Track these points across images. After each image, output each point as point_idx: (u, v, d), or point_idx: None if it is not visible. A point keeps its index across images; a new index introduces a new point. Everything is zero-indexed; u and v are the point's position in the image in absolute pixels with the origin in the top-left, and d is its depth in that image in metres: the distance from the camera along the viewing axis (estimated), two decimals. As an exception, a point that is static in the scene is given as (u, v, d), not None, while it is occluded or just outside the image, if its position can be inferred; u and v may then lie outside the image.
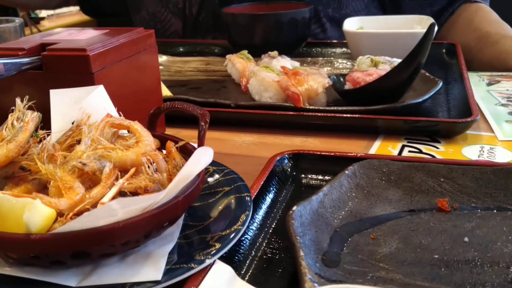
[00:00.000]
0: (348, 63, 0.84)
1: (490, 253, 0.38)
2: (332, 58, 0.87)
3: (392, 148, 0.60)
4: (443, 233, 0.40)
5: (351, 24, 0.90)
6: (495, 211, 0.43)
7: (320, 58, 0.87)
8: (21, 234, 0.32)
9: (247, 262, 0.38)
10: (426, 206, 0.44)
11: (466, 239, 0.39)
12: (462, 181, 0.46)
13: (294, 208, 0.40)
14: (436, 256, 0.38)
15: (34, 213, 0.32)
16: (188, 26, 1.10)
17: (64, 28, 0.62)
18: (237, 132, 0.67)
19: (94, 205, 0.35)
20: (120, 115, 0.45)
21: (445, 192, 0.45)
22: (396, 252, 0.38)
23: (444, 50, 0.93)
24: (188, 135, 0.52)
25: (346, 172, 0.46)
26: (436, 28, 0.80)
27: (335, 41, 0.98)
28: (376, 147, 0.60)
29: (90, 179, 0.38)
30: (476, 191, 0.45)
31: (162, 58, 0.92)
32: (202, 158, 0.36)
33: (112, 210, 0.31)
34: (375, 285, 0.34)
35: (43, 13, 1.66)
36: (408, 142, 0.61)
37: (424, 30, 0.80)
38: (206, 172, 0.47)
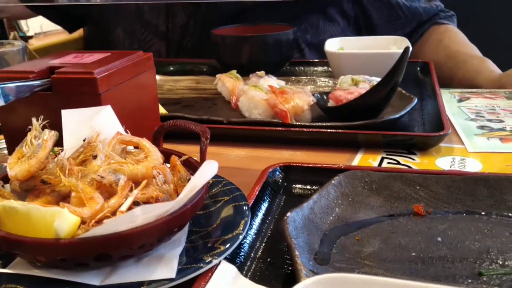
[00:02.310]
0: (330, 81, 0.90)
1: (460, 251, 0.43)
2: (314, 77, 0.93)
3: (372, 160, 0.65)
4: (419, 234, 0.46)
5: (332, 45, 0.96)
6: (464, 214, 0.49)
7: (304, 77, 0.92)
8: (52, 239, 0.36)
9: (248, 262, 0.43)
10: (404, 211, 0.49)
11: (439, 239, 0.45)
12: (436, 188, 0.51)
13: (288, 214, 0.45)
14: (413, 254, 0.43)
15: (63, 221, 0.37)
16: (172, 49, 1.15)
17: (68, 52, 0.67)
18: (230, 146, 0.72)
19: (113, 213, 0.40)
20: (127, 133, 0.50)
21: (421, 198, 0.51)
22: (378, 251, 0.44)
23: (418, 68, 1.00)
24: (185, 149, 0.57)
25: (333, 182, 0.51)
26: (410, 49, 0.87)
27: (317, 60, 1.04)
28: (358, 159, 0.66)
29: (106, 191, 0.42)
30: (447, 197, 0.50)
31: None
32: (207, 170, 0.41)
33: (134, 216, 0.36)
34: (361, 278, 0.39)
35: (31, 31, 1.69)
36: (387, 154, 0.67)
37: (399, 51, 0.87)
38: (207, 184, 0.52)
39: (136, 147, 0.49)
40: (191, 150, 0.49)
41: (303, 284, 0.29)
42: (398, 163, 0.64)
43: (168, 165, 0.48)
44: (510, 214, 0.48)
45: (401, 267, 0.41)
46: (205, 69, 1.05)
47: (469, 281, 0.39)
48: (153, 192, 0.42)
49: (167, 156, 0.49)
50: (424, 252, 0.43)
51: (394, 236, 0.46)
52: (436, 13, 1.13)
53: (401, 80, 0.69)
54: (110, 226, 0.36)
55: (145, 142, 0.48)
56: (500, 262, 0.41)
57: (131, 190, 0.42)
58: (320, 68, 1.03)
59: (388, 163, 0.64)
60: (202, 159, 0.48)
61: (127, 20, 1.17)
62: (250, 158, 0.68)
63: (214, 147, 0.71)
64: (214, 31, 0.98)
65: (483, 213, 0.48)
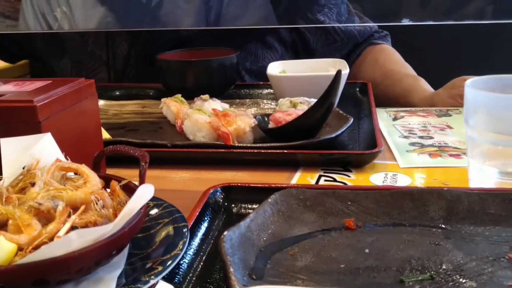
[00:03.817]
0: (273, 103, 0.94)
1: (385, 260, 0.46)
2: (258, 99, 0.96)
3: (310, 178, 0.68)
4: (349, 247, 0.49)
5: (274, 68, 0.99)
6: (391, 226, 0.52)
7: (248, 100, 0.95)
8: (-13, 266, 0.37)
9: (186, 281, 0.45)
10: (336, 226, 0.52)
11: (366, 250, 0.48)
12: (366, 203, 0.55)
13: (225, 233, 0.47)
14: (342, 266, 0.46)
15: (-2, 248, 0.37)
16: (116, 78, 1.16)
17: (8, 80, 0.67)
18: (174, 169, 0.73)
19: (51, 239, 0.41)
20: (67, 159, 0.51)
21: (352, 213, 0.54)
22: (310, 264, 0.46)
23: (357, 89, 1.05)
24: (128, 174, 0.58)
25: (269, 200, 0.54)
26: (348, 71, 0.92)
27: (261, 83, 1.07)
28: (297, 178, 0.69)
29: (45, 217, 0.43)
30: (376, 211, 0.54)
31: (100, 102, 0.97)
32: (144, 194, 0.43)
33: (69, 241, 0.37)
34: (292, 291, 0.41)
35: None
36: (324, 172, 0.70)
37: (342, 72, 0.92)
38: (147, 207, 0.53)
39: (76, 173, 0.50)
40: (135, 175, 0.50)
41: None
42: (335, 180, 0.68)
43: (109, 190, 0.50)
44: (431, 224, 0.52)
45: (330, 279, 0.44)
46: (151, 93, 1.07)
47: (391, 288, 0.42)
48: (91, 217, 0.44)
49: (107, 181, 0.51)
50: (352, 263, 0.46)
51: (325, 249, 0.48)
52: (371, 34, 1.19)
53: (336, 101, 0.73)
54: (46, 252, 0.37)
55: (84, 168, 0.49)
56: (420, 269, 0.45)
57: (69, 216, 0.43)
58: (265, 91, 1.06)
59: (325, 180, 0.68)
60: (142, 182, 0.50)
61: (74, 50, 1.18)
62: (194, 180, 0.70)
63: (159, 170, 0.73)
64: (159, 56, 1.00)
65: (407, 224, 0.52)
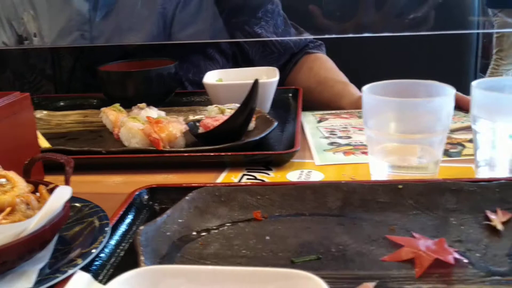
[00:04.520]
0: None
1: (281, 245, 0.53)
2: (195, 106, 1.02)
3: (234, 177, 0.75)
4: (253, 235, 0.55)
5: (211, 77, 1.06)
6: (293, 216, 0.59)
7: (185, 107, 1.01)
8: None
9: (105, 269, 0.50)
10: (245, 218, 0.59)
11: (267, 237, 0.55)
12: (273, 197, 0.61)
13: (141, 227, 0.53)
14: (244, 251, 0.52)
15: None
16: (61, 91, 1.20)
17: None
18: (109, 174, 0.78)
19: (-23, 237, 0.46)
20: (-1, 167, 0.56)
21: (260, 206, 0.60)
22: (217, 252, 0.53)
23: (290, 94, 1.13)
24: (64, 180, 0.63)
25: (187, 198, 0.60)
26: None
27: (198, 90, 1.13)
28: (222, 177, 0.75)
29: (-27, 219, 0.48)
30: (282, 203, 0.61)
31: (43, 113, 1.01)
32: (62, 194, 0.48)
33: (-10, 237, 0.43)
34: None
35: None
36: (248, 171, 0.77)
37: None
38: (76, 208, 0.59)
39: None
40: (74, 180, 0.56)
41: (123, 277, 0.37)
42: (255, 178, 0.74)
43: (38, 193, 0.55)
44: (328, 213, 0.59)
45: (232, 262, 0.50)
46: (95, 103, 1.11)
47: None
48: (17, 217, 0.49)
49: (37, 185, 0.56)
50: (253, 249, 0.53)
51: (232, 238, 0.55)
52: (306, 44, 1.27)
53: (256, 106, 0.80)
54: (-29, 248, 0.43)
55: (12, 175, 0.54)
56: (310, 251, 0.52)
57: (-4, 217, 0.48)
58: (203, 98, 1.12)
59: (247, 178, 0.74)
60: (67, 185, 0.55)
61: (15, 64, 1.21)
62: (127, 184, 0.75)
63: (94, 176, 0.78)
64: (100, 68, 1.05)
65: (307, 214, 0.59)
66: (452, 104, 0.64)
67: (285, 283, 0.36)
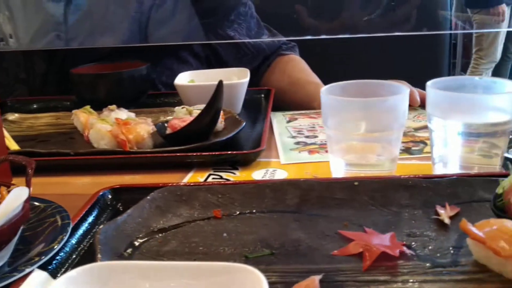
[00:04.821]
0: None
1: (237, 242, 0.55)
2: (166, 108, 1.04)
3: (200, 177, 0.77)
4: (211, 233, 0.57)
5: (183, 78, 1.07)
6: (252, 214, 0.61)
7: (156, 109, 1.02)
8: None
9: (63, 269, 0.52)
10: (205, 216, 0.60)
11: (224, 234, 0.56)
12: (234, 195, 0.63)
13: (101, 227, 0.54)
14: (201, 248, 0.54)
15: None
16: (33, 93, 1.21)
17: None
18: (78, 176, 0.79)
19: None
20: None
21: (221, 204, 0.62)
22: (174, 249, 0.54)
23: (262, 95, 1.14)
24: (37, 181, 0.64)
25: (148, 197, 0.61)
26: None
27: (173, 92, 1.14)
28: (188, 177, 0.77)
29: None
30: (242, 201, 0.62)
31: (15, 116, 1.02)
32: (19, 195, 0.50)
33: None
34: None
35: None
36: (214, 171, 0.78)
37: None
38: (39, 208, 0.60)
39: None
40: (35, 182, 0.57)
41: (68, 275, 0.38)
42: (221, 177, 0.76)
43: None
44: (286, 210, 0.60)
45: (188, 258, 0.52)
46: (68, 105, 1.12)
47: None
48: (-25, 218, 0.50)
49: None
50: (210, 246, 0.54)
51: (191, 236, 0.56)
52: (279, 46, 1.29)
53: (221, 107, 0.81)
54: None
55: (-27, 177, 0.55)
56: (265, 247, 0.53)
57: (-45, 218, 0.49)
58: (177, 99, 1.13)
59: (213, 178, 0.76)
60: (28, 186, 0.57)
61: None
62: (94, 185, 0.76)
63: (63, 177, 0.79)
64: (72, 71, 1.06)
65: (266, 211, 0.61)
66: (407, 102, 0.66)
67: (227, 277, 0.38)
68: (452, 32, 2.05)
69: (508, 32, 3.82)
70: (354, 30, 1.38)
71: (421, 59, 1.59)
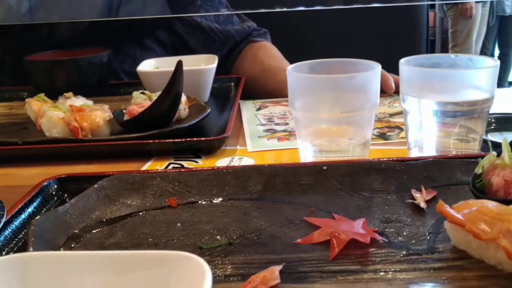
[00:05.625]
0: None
1: (192, 232, 0.49)
2: (127, 96, 0.97)
3: (159, 166, 0.71)
4: (164, 223, 0.51)
5: (147, 65, 1.01)
6: (211, 202, 0.55)
7: (116, 97, 0.96)
8: None
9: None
10: (159, 205, 0.55)
11: (178, 224, 0.51)
12: (191, 183, 0.57)
13: (37, 217, 0.48)
14: (150, 240, 0.48)
15: None
16: None
17: None
18: (27, 167, 0.73)
19: None
20: None
21: (176, 192, 0.56)
22: (120, 241, 0.48)
23: (232, 83, 1.09)
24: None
25: (95, 186, 0.55)
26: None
27: (137, 81, 1.08)
28: (147, 166, 0.71)
29: None
30: (199, 189, 0.57)
31: (-36, 107, 0.95)
32: None
33: None
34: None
35: None
36: (175, 160, 0.72)
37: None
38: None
39: None
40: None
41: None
42: (182, 166, 0.70)
43: None
44: (248, 197, 0.55)
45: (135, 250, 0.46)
46: (25, 96, 1.05)
47: (188, 254, 0.45)
48: None
49: None
50: (161, 237, 0.49)
51: (141, 227, 0.51)
52: (249, 32, 1.23)
53: (181, 90, 0.76)
54: None
55: None
56: (219, 238, 0.48)
57: None
58: (141, 88, 1.07)
59: (174, 167, 0.70)
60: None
61: None
62: (43, 175, 0.69)
63: (10, 168, 0.73)
64: (27, 58, 0.99)
65: (227, 199, 0.55)
66: (378, 80, 0.62)
67: (164, 266, 0.32)
68: (428, 2, 2.05)
69: (485, 29, 3.85)
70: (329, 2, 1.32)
71: (398, 54, 1.56)
